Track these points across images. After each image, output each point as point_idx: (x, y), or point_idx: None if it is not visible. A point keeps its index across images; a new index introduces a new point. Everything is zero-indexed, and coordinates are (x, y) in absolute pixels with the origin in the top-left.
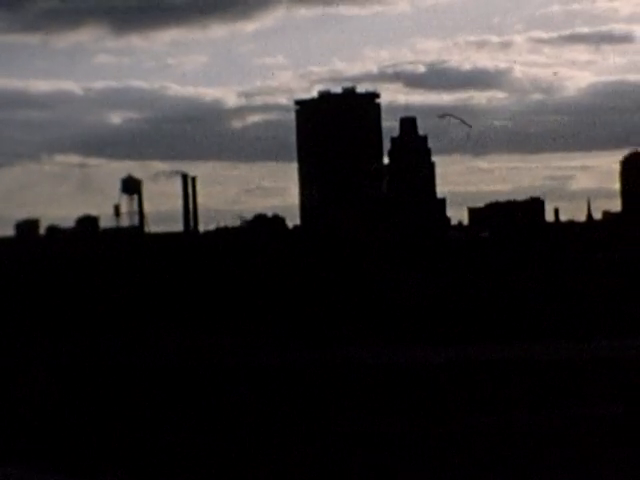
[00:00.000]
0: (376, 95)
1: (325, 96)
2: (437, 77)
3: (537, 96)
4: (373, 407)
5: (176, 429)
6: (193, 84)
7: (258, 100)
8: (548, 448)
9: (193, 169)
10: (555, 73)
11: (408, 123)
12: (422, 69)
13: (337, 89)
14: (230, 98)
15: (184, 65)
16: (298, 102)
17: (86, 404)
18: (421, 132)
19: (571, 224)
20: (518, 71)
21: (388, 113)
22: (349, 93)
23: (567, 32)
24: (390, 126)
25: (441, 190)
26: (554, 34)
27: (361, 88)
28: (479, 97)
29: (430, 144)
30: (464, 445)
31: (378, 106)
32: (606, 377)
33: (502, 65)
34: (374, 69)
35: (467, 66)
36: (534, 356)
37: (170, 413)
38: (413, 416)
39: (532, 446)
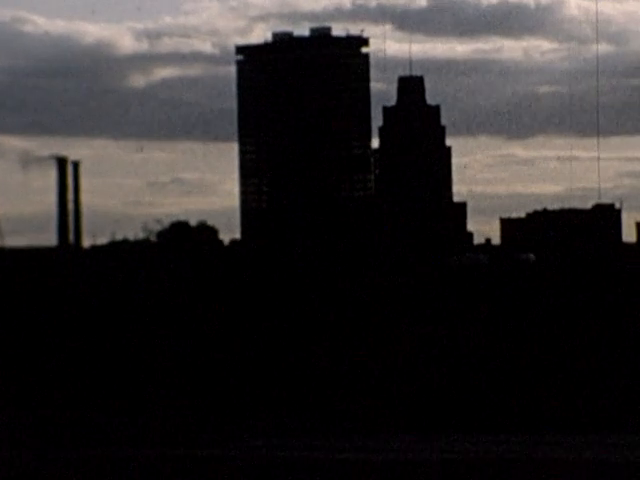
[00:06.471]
0: (363, 41)
1: (283, 41)
2: (444, 16)
3: (603, 47)
4: None
5: None
6: (66, 17)
7: (168, 44)
8: None
9: (73, 150)
10: None
11: (411, 86)
12: (422, 3)
13: (301, 31)
14: (125, 40)
15: None
16: (241, 49)
17: None
18: (430, 100)
19: None
20: (572, 7)
21: (377, 70)
22: (320, 37)
23: None
24: (381, 90)
25: (460, 190)
26: None
27: (337, 30)
28: (511, 48)
29: (444, 119)
30: None
31: (365, 58)
32: None
33: None
34: (347, 3)
35: None
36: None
37: None
38: None
39: None
